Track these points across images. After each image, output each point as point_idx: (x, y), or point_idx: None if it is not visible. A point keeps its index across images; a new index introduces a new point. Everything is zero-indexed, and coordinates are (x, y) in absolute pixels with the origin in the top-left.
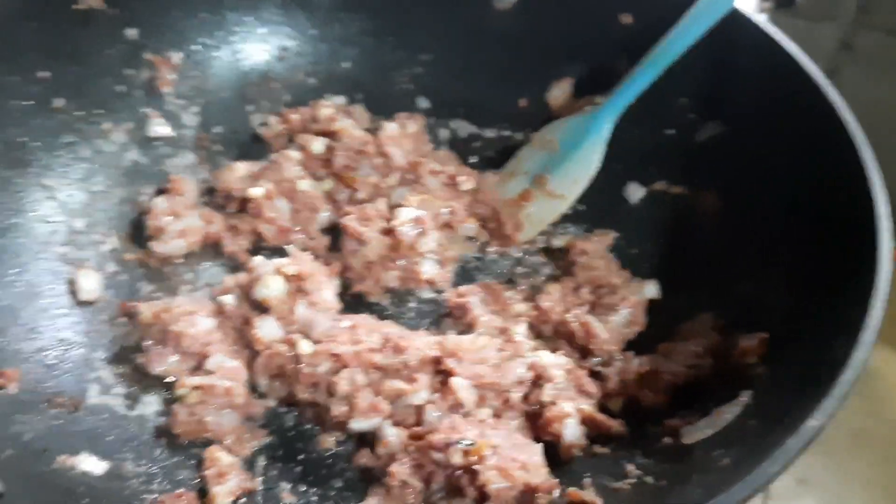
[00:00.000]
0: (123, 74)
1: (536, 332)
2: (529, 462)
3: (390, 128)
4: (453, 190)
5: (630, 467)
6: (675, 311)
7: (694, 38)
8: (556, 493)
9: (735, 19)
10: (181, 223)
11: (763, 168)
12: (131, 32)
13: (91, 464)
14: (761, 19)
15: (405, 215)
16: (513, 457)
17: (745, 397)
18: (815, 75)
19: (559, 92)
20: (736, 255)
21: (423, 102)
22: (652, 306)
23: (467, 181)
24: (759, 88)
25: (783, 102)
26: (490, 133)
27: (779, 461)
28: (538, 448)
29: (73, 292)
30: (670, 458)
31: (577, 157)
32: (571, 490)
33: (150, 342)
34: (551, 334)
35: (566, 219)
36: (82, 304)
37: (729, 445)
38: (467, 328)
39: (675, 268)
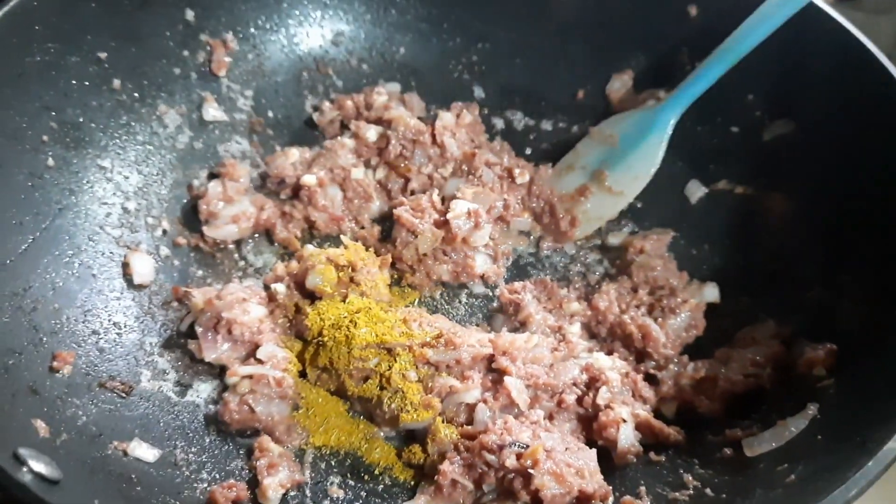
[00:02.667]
0: (180, 56)
1: (591, 333)
2: (585, 467)
3: (446, 117)
4: (508, 182)
5: (688, 477)
6: (734, 315)
7: (766, 33)
8: (610, 500)
9: (807, 11)
10: (234, 208)
11: (836, 169)
12: (189, 14)
13: (143, 450)
14: (835, 12)
15: (459, 208)
16: (567, 462)
17: (812, 410)
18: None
19: (619, 84)
20: (804, 260)
21: (479, 91)
22: (710, 309)
23: (523, 174)
24: (833, 85)
25: (859, 100)
26: (546, 125)
27: (857, 485)
28: (592, 453)
29: (126, 275)
30: (731, 470)
31: (638, 153)
32: (627, 498)
33: (202, 329)
34: (606, 335)
35: (623, 216)
36: (135, 287)
37: (795, 461)
38: (520, 325)
39: (737, 271)
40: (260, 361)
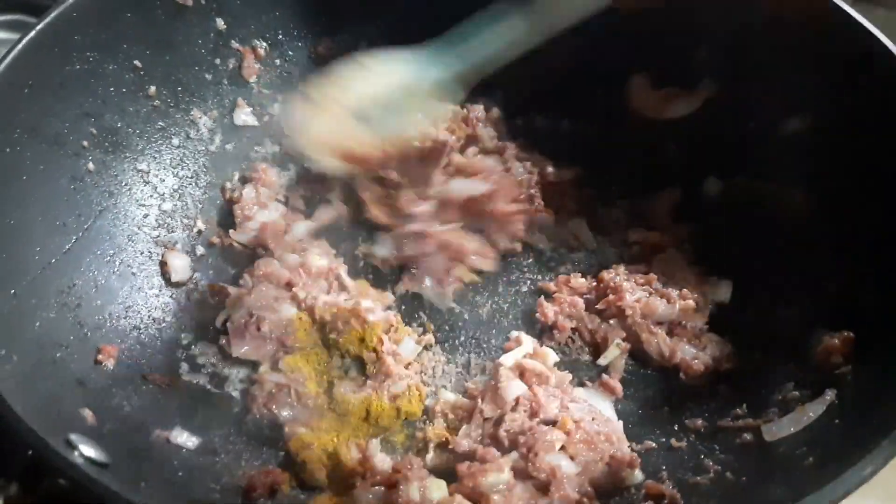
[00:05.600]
0: (212, 63)
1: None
2: (613, 435)
3: (477, 109)
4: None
5: (709, 462)
6: (753, 307)
7: None
8: (638, 471)
9: (824, 7)
10: (267, 213)
11: (852, 163)
12: (220, 23)
13: (184, 438)
14: (851, 8)
15: None
16: (597, 430)
17: (830, 396)
18: None
19: (638, 85)
20: (822, 252)
21: (499, 93)
22: (728, 302)
23: (553, 173)
24: (849, 80)
25: (875, 96)
26: (566, 125)
27: (872, 463)
28: (619, 425)
29: (164, 273)
30: (751, 455)
31: None
32: (649, 483)
33: (233, 325)
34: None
35: (640, 213)
36: (173, 284)
37: (813, 444)
38: None
39: (755, 264)
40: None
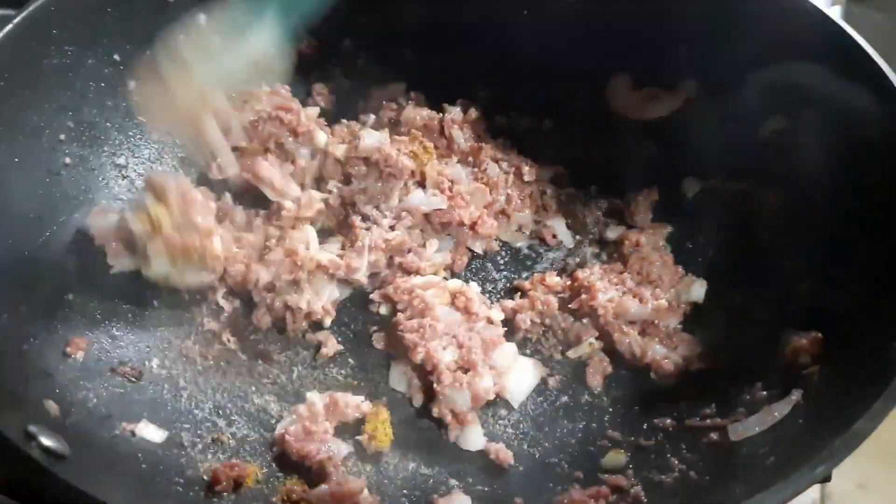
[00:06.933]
0: None
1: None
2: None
3: (454, 111)
4: (515, 178)
5: (675, 461)
6: (726, 308)
7: None
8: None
9: (803, 10)
10: None
11: (829, 165)
12: (202, 19)
13: (151, 432)
14: (831, 11)
15: None
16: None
17: (795, 396)
18: (887, 71)
19: (619, 83)
20: (796, 253)
21: (482, 92)
22: (704, 303)
23: (531, 172)
24: (827, 83)
25: (852, 100)
26: (548, 123)
27: (825, 463)
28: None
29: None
30: (716, 455)
31: None
32: (610, 476)
33: None
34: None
35: (620, 211)
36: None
37: (776, 444)
38: None
39: (731, 264)
40: None
